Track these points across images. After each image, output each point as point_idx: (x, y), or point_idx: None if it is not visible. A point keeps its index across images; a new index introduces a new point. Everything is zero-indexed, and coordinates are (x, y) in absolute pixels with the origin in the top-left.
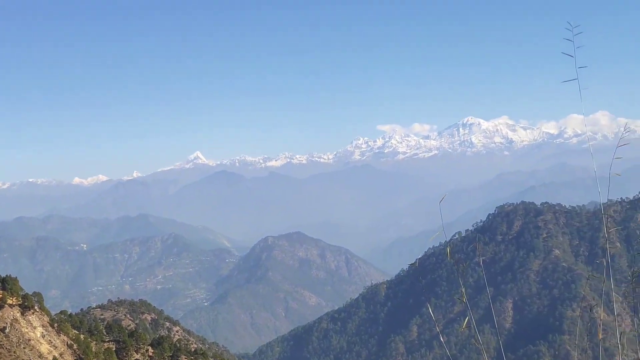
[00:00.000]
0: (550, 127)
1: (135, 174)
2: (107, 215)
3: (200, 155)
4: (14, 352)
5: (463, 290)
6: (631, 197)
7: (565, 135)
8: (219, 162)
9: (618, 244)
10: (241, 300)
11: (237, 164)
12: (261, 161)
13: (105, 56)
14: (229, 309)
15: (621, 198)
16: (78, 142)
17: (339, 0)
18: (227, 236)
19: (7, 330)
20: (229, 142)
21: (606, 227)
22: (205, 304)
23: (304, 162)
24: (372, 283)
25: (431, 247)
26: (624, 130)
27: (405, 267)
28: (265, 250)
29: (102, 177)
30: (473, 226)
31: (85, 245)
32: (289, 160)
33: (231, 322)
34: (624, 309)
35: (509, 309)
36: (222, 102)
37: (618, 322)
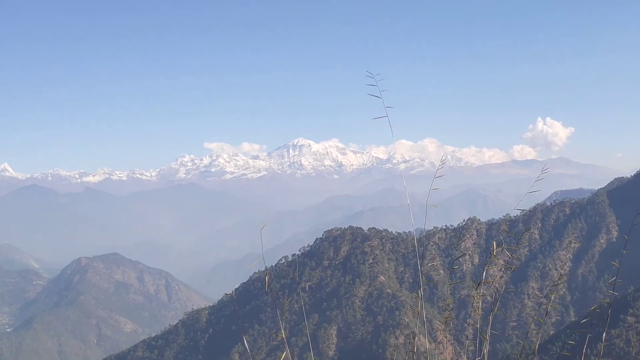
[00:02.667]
0: (380, 152)
1: None
2: None
3: (8, 167)
4: None
5: (282, 324)
6: (455, 225)
7: (395, 161)
8: (29, 176)
9: (442, 272)
10: (49, 325)
11: (50, 178)
12: (77, 176)
13: None
14: (35, 336)
15: (446, 225)
16: None
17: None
18: (36, 256)
19: None
20: (41, 155)
21: (418, 252)
22: (8, 330)
23: (125, 178)
24: (193, 308)
25: (257, 271)
26: (441, 161)
27: (229, 292)
28: (77, 272)
29: None
30: (300, 250)
31: None
32: (108, 175)
33: (36, 349)
34: (446, 337)
35: (333, 335)
36: (33, 112)
37: (440, 350)
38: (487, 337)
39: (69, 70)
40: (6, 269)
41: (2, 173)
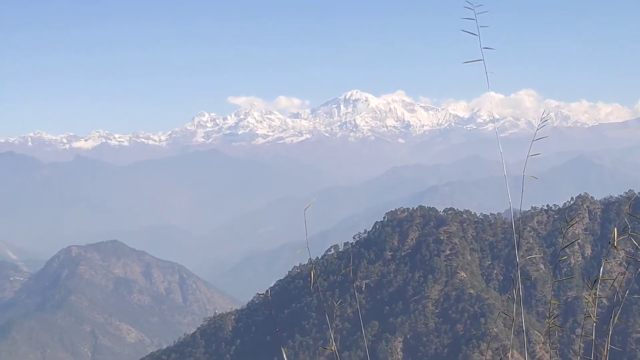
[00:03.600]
0: (460, 109)
1: None
2: None
3: None
4: None
5: (332, 336)
6: (560, 205)
7: (479, 120)
8: (3, 140)
9: (542, 266)
10: (30, 334)
11: (30, 143)
12: (65, 140)
13: None
14: (12, 347)
15: (547, 205)
16: None
17: None
18: (13, 244)
19: None
20: (19, 113)
21: (516, 240)
22: None
23: (126, 143)
24: (215, 313)
25: (297, 265)
26: (542, 118)
27: (262, 291)
28: (67, 265)
29: None
30: (355, 237)
31: None
32: (104, 140)
33: None
34: (547, 352)
35: (398, 350)
36: (8, 58)
37: None
38: (605, 353)
39: (54, 4)
40: None
41: None
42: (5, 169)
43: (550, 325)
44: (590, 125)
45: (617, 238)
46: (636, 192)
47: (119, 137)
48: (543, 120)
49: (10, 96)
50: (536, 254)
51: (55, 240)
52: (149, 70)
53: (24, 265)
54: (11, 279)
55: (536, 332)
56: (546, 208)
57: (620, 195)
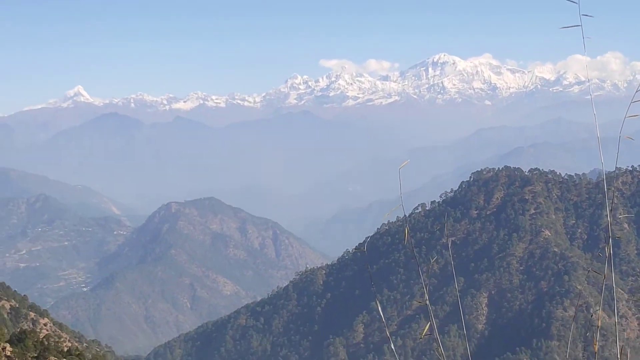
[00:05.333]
0: (546, 71)
1: None
2: None
3: (82, 91)
4: None
5: (427, 290)
6: None
7: (565, 82)
8: (107, 101)
9: (626, 226)
10: (133, 285)
11: (133, 105)
12: (165, 102)
13: None
14: (116, 297)
15: (632, 166)
16: None
17: None
18: (116, 200)
19: None
20: (122, 76)
21: (609, 202)
22: (84, 289)
23: (223, 105)
24: (307, 267)
25: (385, 222)
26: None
27: (351, 248)
28: (167, 220)
29: None
30: (441, 196)
31: None
32: (202, 101)
33: (118, 314)
34: (630, 310)
35: (483, 305)
36: (113, 24)
37: (621, 325)
38: None
39: None
40: (81, 215)
41: (75, 98)
42: (109, 129)
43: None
44: None
45: None
46: None
47: (216, 99)
48: (637, 91)
49: (114, 59)
50: (620, 214)
51: (155, 197)
52: (245, 34)
53: (126, 220)
54: (115, 233)
55: (619, 289)
56: (630, 169)
57: None
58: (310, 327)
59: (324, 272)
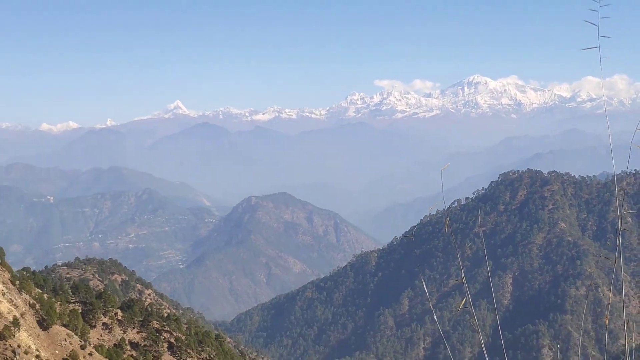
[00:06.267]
0: (563, 90)
1: (109, 122)
2: (76, 166)
3: (180, 104)
4: None
5: (463, 271)
6: None
7: (579, 99)
8: (201, 114)
9: (629, 219)
10: (220, 264)
11: (221, 116)
12: (247, 114)
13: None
14: (206, 273)
15: (635, 170)
16: (48, 84)
17: None
18: (207, 194)
19: None
20: (212, 92)
21: (618, 200)
22: (181, 266)
23: (294, 117)
24: (362, 251)
25: (427, 215)
26: None
27: (399, 235)
28: (248, 211)
29: (73, 125)
30: (474, 194)
31: (51, 198)
32: (277, 114)
33: (208, 287)
34: (632, 290)
35: (508, 284)
36: (206, 49)
37: (625, 303)
38: None
39: (239, 8)
40: (179, 205)
41: (174, 110)
42: (202, 136)
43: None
44: None
45: None
46: None
47: (289, 112)
48: None
49: (206, 78)
50: (625, 210)
51: (239, 191)
52: (314, 58)
53: (215, 210)
54: (206, 220)
55: (624, 273)
56: (634, 172)
57: None
58: (364, 300)
59: (375, 255)
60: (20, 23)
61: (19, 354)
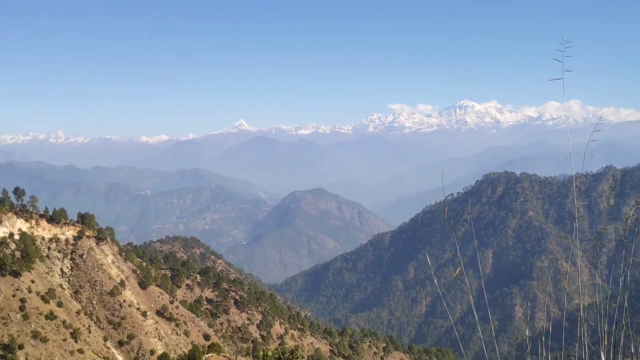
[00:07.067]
0: (531, 111)
1: (190, 136)
2: (167, 168)
3: (244, 122)
4: (89, 274)
5: (458, 246)
6: (594, 172)
7: (544, 118)
8: (258, 129)
9: (582, 209)
10: (272, 241)
11: (273, 131)
12: (293, 129)
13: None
14: (262, 248)
15: (586, 172)
16: (147, 108)
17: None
18: (263, 189)
19: (84, 257)
20: (267, 113)
21: (574, 195)
22: (244, 242)
23: (328, 131)
24: (378, 232)
25: (428, 205)
26: (599, 119)
27: (407, 220)
28: (293, 201)
29: (164, 137)
30: (464, 189)
31: (148, 191)
32: (315, 129)
33: (263, 258)
34: (583, 262)
35: (490, 257)
36: (263, 83)
37: (578, 272)
38: (625, 265)
39: (294, 42)
40: (243, 197)
41: (239, 127)
42: (259, 146)
43: (595, 246)
44: (615, 122)
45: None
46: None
47: (324, 128)
48: (600, 118)
49: (264, 101)
50: (579, 202)
51: (287, 187)
52: (343, 87)
53: (269, 201)
54: (262, 208)
55: (577, 249)
56: (584, 173)
57: (635, 165)
58: (380, 269)
59: (389, 235)
60: (128, 61)
61: (124, 306)
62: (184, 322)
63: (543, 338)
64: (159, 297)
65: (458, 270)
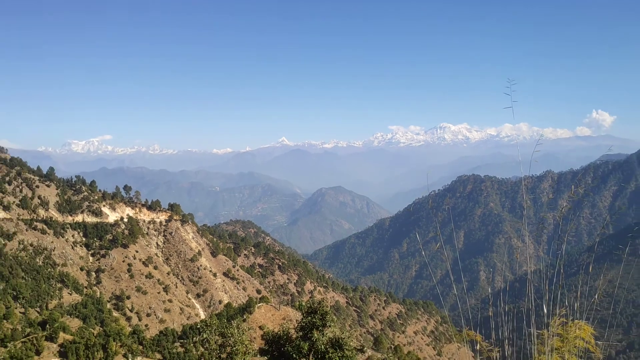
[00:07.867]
0: (492, 131)
1: (247, 148)
2: (230, 171)
3: (285, 139)
4: (176, 246)
5: (438, 229)
6: (538, 174)
7: (501, 136)
8: (295, 143)
9: (528, 201)
10: (305, 224)
11: (306, 145)
12: (320, 144)
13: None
14: (298, 229)
15: (532, 175)
16: (216, 128)
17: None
18: (299, 186)
19: (172, 234)
20: (302, 129)
21: (523, 191)
22: (285, 225)
23: (345, 145)
24: (381, 218)
25: (417, 198)
26: (539, 137)
27: (401, 209)
28: (320, 196)
29: (229, 149)
30: (442, 187)
31: (218, 188)
32: (335, 144)
33: (299, 236)
34: (530, 240)
35: (462, 236)
36: (299, 106)
37: (526, 246)
38: (563, 240)
39: (323, 82)
40: (284, 192)
41: (281, 142)
42: (296, 157)
43: (539, 228)
44: (553, 138)
45: (572, 191)
46: (573, 169)
47: (342, 142)
48: (540, 136)
49: (300, 121)
50: (527, 196)
51: (315, 185)
52: (356, 113)
53: (302, 195)
54: (297, 200)
55: (526, 230)
56: (531, 175)
57: (567, 169)
58: (382, 244)
59: (389, 220)
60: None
61: (201, 269)
62: (243, 281)
63: (501, 294)
64: (225, 262)
65: (438, 245)
